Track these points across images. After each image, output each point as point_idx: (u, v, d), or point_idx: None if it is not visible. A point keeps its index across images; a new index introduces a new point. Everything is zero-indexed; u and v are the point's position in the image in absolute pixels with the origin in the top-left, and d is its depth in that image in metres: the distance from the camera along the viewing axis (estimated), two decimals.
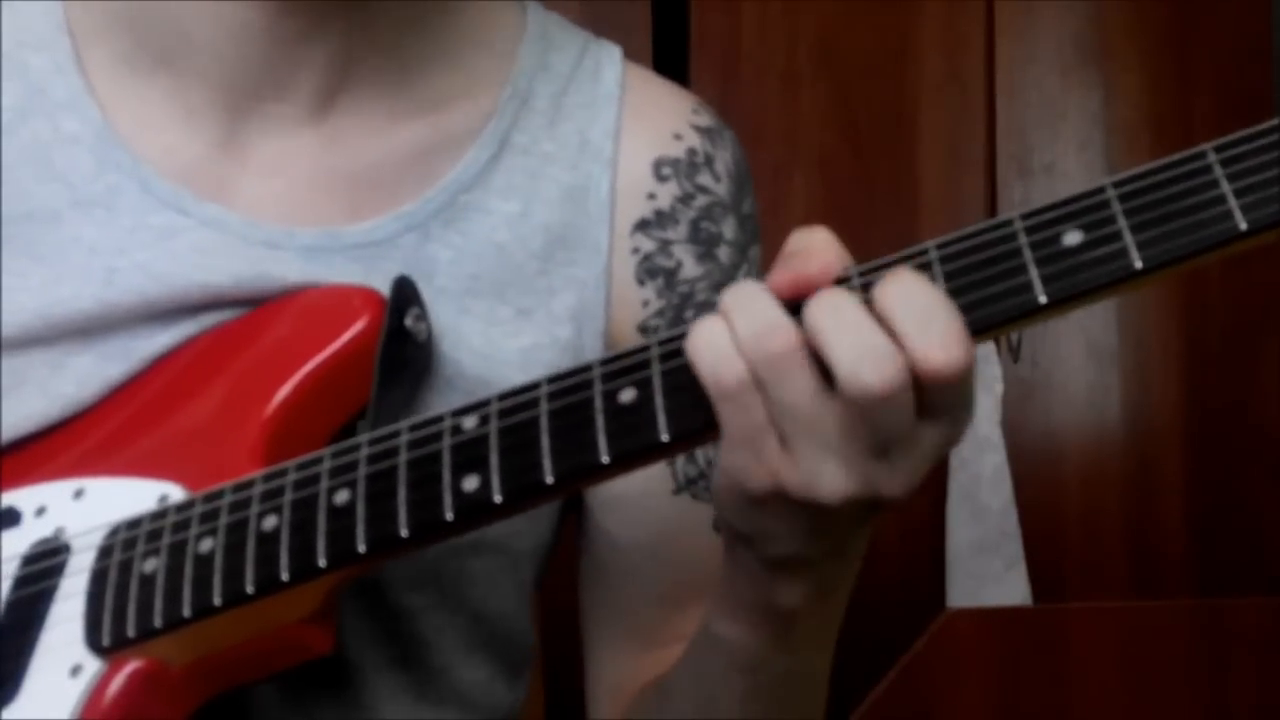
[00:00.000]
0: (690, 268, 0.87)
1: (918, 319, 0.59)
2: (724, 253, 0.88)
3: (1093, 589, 2.40)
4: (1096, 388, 2.47)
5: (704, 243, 0.88)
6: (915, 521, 2.41)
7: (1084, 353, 2.46)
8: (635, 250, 0.87)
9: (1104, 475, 2.45)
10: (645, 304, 0.87)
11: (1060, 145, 2.47)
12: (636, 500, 0.87)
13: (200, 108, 0.83)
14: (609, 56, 0.91)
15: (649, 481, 0.86)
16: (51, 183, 0.81)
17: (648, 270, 0.87)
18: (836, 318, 0.60)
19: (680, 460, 0.86)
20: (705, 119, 0.91)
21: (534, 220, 0.85)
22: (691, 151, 0.89)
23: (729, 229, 0.89)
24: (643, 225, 0.87)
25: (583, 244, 0.86)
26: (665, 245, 0.87)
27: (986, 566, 2.33)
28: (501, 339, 0.83)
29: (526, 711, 0.95)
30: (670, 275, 0.87)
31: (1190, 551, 2.43)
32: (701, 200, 0.88)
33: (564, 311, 0.85)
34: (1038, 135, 2.48)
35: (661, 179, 0.88)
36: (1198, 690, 1.80)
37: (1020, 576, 2.33)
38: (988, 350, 2.39)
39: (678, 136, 0.89)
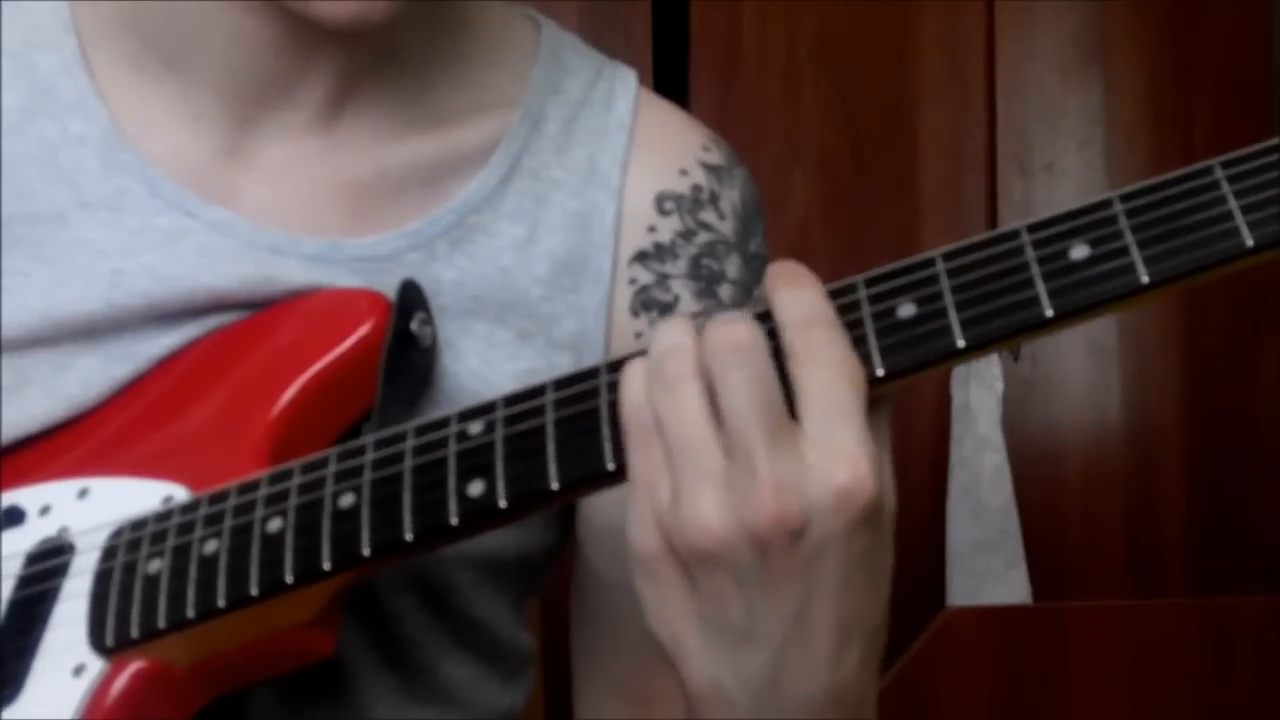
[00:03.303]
0: (689, 303, 0.86)
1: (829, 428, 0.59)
2: (726, 291, 0.87)
3: (1093, 587, 2.40)
4: (1096, 386, 2.47)
5: (705, 279, 0.87)
6: (915, 520, 2.41)
7: (1084, 351, 2.46)
8: (632, 281, 0.86)
9: (1104, 474, 2.45)
10: (638, 336, 0.85)
11: (1060, 144, 2.48)
12: (621, 535, 0.85)
13: (207, 113, 0.82)
14: (623, 83, 0.90)
15: None
16: (58, 184, 0.81)
17: (643, 303, 0.86)
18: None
19: None
20: (716, 156, 0.90)
21: (539, 245, 0.85)
22: (696, 188, 0.88)
23: (733, 268, 0.88)
24: (641, 257, 0.87)
25: (586, 271, 0.85)
26: (663, 279, 0.87)
27: (986, 565, 2.34)
28: (499, 362, 0.83)
29: (527, 712, 0.95)
30: (666, 309, 0.86)
31: (1190, 550, 2.43)
32: (704, 237, 0.87)
33: (565, 338, 0.85)
34: (1038, 134, 2.48)
35: (663, 213, 0.87)
36: (1197, 688, 1.80)
37: (1020, 575, 2.34)
38: None
39: (684, 172, 0.88)
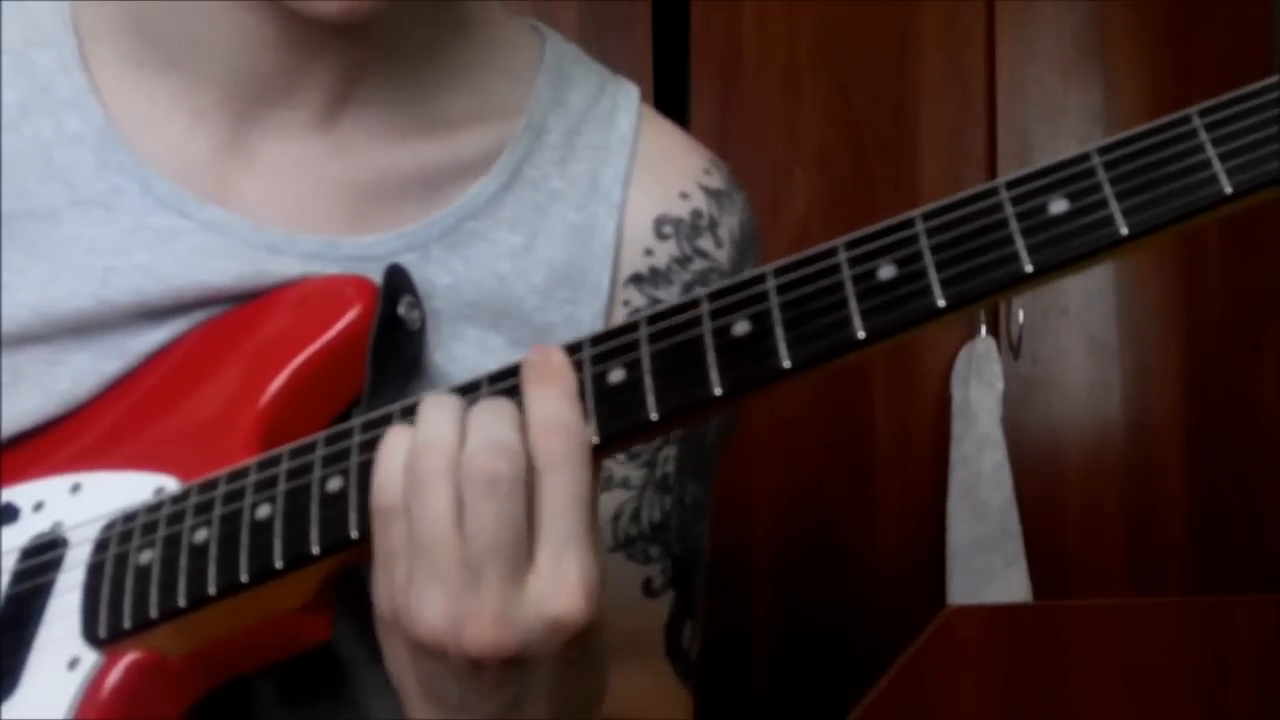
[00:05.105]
0: None
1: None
2: None
3: (1093, 586, 2.40)
4: (1097, 385, 2.47)
5: None
6: (915, 518, 2.41)
7: (1084, 350, 2.47)
8: (626, 303, 0.86)
9: (1104, 472, 2.45)
10: None
11: (1060, 142, 2.48)
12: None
13: (206, 110, 0.82)
14: (626, 99, 0.90)
15: None
16: (53, 182, 0.81)
17: None
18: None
19: (624, 517, 0.85)
20: (716, 180, 0.90)
21: (537, 255, 0.85)
22: (696, 214, 0.88)
23: None
24: (636, 279, 0.87)
25: (585, 284, 0.85)
26: (655, 304, 0.86)
27: (987, 563, 2.34)
28: (491, 367, 0.83)
29: None
30: None
31: (1190, 548, 2.44)
32: (699, 264, 0.87)
33: None
34: (1038, 132, 2.48)
35: (662, 237, 0.87)
36: (1198, 687, 1.80)
37: (1020, 573, 2.34)
38: (988, 347, 2.39)
39: (684, 196, 0.88)
